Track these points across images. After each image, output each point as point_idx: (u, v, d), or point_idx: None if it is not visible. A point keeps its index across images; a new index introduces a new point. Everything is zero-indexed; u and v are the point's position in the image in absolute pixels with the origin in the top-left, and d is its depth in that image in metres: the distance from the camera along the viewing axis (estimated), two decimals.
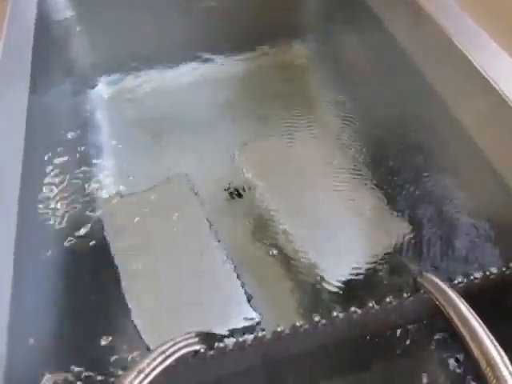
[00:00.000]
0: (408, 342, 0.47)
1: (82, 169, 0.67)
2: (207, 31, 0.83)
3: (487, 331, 0.37)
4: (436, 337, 0.48)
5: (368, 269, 0.55)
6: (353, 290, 0.53)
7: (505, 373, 0.33)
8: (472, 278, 0.45)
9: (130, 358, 0.49)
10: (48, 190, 0.61)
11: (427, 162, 0.63)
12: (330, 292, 0.53)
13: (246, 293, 0.54)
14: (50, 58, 0.74)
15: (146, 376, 0.37)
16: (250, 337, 0.42)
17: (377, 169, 0.65)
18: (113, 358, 0.49)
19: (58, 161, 0.65)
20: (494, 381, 0.33)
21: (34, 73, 0.62)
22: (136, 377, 0.36)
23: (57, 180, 0.63)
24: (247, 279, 0.55)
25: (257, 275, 0.56)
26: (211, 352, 0.42)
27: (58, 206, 0.61)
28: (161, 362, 0.38)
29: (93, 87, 0.82)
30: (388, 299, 0.44)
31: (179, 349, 0.40)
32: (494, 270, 0.45)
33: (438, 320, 0.46)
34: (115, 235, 0.60)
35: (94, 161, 0.70)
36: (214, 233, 0.59)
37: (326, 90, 0.81)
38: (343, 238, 0.58)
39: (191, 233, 0.59)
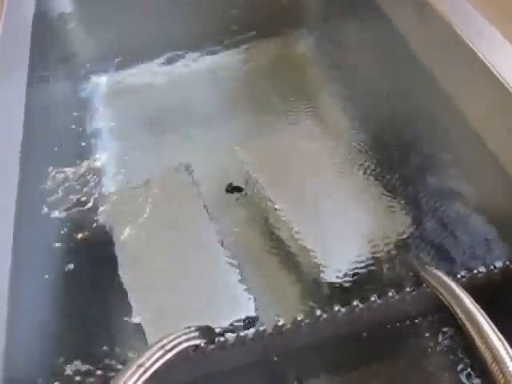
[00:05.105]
0: (411, 337, 0.47)
1: (82, 162, 0.67)
2: (208, 24, 0.82)
3: (493, 325, 0.36)
4: (439, 331, 0.47)
5: (370, 263, 0.54)
6: (355, 285, 0.53)
7: (511, 368, 0.33)
8: (476, 272, 0.44)
9: (129, 352, 0.49)
10: (47, 183, 0.61)
11: (430, 155, 0.63)
12: (332, 286, 0.53)
13: (246, 287, 0.53)
14: (49, 51, 0.73)
15: (146, 370, 0.36)
16: (250, 331, 0.42)
17: (379, 162, 0.64)
18: (112, 353, 0.49)
19: (57, 154, 0.65)
20: (500, 376, 0.33)
21: (32, 66, 0.61)
22: (135, 371, 0.36)
23: (56, 173, 0.63)
24: (247, 273, 0.55)
25: (257, 269, 0.56)
26: (212, 346, 0.41)
27: (58, 199, 0.61)
28: (160, 357, 0.38)
29: (92, 80, 0.81)
30: (391, 293, 0.44)
31: (179, 343, 0.40)
32: (497, 264, 0.45)
33: (442, 314, 0.45)
34: (116, 228, 0.59)
35: (94, 153, 0.69)
36: (214, 226, 0.59)
37: (328, 83, 0.80)
38: (345, 232, 0.58)
39: (192, 226, 0.59)
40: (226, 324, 0.49)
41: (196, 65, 0.83)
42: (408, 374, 0.47)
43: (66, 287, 0.52)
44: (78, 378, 0.44)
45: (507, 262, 0.45)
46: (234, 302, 0.52)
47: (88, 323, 0.51)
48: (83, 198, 0.62)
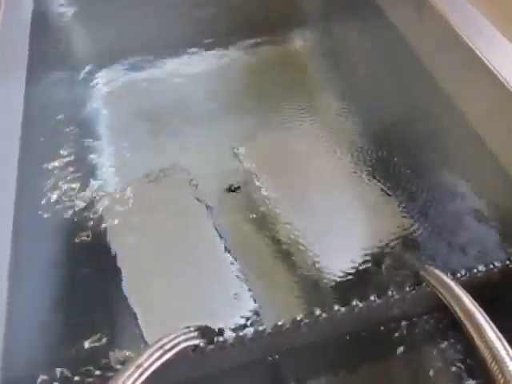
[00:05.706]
0: (410, 336, 0.47)
1: (81, 162, 0.67)
2: (208, 23, 0.82)
3: (492, 325, 0.36)
4: (439, 331, 0.47)
5: (370, 262, 0.54)
6: (354, 284, 0.53)
7: (511, 367, 0.33)
8: (475, 271, 0.44)
9: (128, 352, 0.49)
10: (46, 183, 0.61)
11: (430, 155, 0.63)
12: (332, 285, 0.53)
13: (245, 286, 0.53)
14: (48, 50, 0.73)
15: (145, 371, 0.36)
16: (250, 331, 0.42)
17: (379, 162, 0.64)
18: (112, 353, 0.49)
19: (56, 155, 0.65)
20: (500, 375, 0.33)
21: (31, 65, 0.61)
22: (134, 371, 0.36)
23: (55, 173, 0.62)
24: (247, 272, 0.55)
25: (257, 268, 0.56)
26: (211, 346, 0.41)
27: (57, 199, 0.60)
28: (159, 357, 0.38)
29: (92, 80, 0.81)
30: (390, 293, 0.43)
31: (178, 343, 0.40)
32: (497, 263, 0.45)
33: (441, 314, 0.45)
34: (114, 228, 0.59)
35: (93, 154, 0.69)
36: (214, 226, 0.59)
37: (328, 83, 0.80)
38: (345, 231, 0.58)
39: (191, 226, 0.59)
40: (225, 324, 0.49)
41: (195, 64, 0.83)
42: (407, 374, 0.47)
43: (66, 287, 0.52)
44: (77, 378, 0.44)
45: (507, 262, 0.45)
46: (233, 301, 0.52)
47: (87, 323, 0.51)
48: (81, 198, 0.62)
